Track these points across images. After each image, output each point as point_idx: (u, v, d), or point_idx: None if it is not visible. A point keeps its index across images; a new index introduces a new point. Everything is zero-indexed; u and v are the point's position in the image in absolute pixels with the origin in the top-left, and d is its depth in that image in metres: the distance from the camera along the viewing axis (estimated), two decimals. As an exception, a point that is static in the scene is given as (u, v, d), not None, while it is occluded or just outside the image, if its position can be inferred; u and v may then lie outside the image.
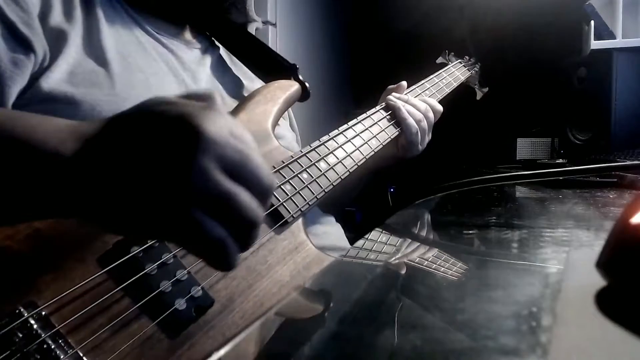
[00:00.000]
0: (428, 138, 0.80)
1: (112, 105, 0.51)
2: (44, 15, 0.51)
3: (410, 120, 0.74)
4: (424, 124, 0.77)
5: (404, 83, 0.82)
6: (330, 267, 0.45)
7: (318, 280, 0.38)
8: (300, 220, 0.50)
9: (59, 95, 0.49)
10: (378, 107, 0.74)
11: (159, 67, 0.60)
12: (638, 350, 0.19)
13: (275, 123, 0.61)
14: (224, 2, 0.71)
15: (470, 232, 0.47)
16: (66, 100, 0.49)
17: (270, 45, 1.48)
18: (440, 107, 0.83)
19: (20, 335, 0.31)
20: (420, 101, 0.79)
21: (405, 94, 0.80)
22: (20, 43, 0.48)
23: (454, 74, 1.01)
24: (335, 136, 0.61)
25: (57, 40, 0.51)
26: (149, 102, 0.31)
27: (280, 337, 0.26)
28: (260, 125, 0.58)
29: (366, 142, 0.65)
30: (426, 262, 0.40)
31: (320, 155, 0.57)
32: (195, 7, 0.68)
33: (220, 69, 0.71)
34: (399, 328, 0.23)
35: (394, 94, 0.78)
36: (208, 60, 0.69)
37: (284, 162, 0.52)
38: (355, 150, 0.62)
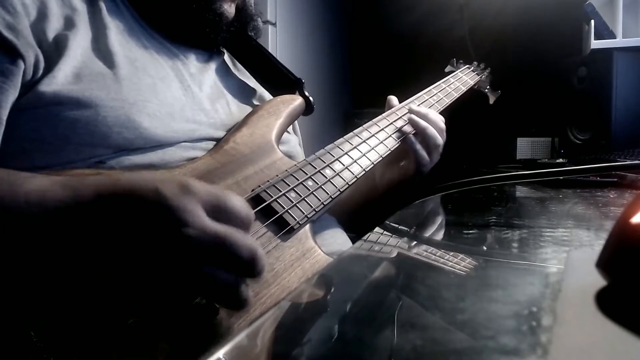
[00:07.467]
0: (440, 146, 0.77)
1: (118, 111, 0.50)
2: (40, 18, 0.50)
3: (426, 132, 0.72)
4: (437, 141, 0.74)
5: (393, 97, 0.79)
6: (329, 266, 0.44)
7: (317, 280, 0.38)
8: (307, 227, 0.50)
9: (64, 98, 0.48)
10: (383, 115, 0.73)
11: (166, 73, 0.59)
12: (638, 350, 0.19)
13: (280, 136, 0.62)
14: (249, 30, 0.72)
15: (470, 231, 0.47)
16: (71, 103, 0.48)
17: (270, 45, 1.48)
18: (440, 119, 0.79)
19: None
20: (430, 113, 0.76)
21: (413, 101, 0.79)
22: (5, 50, 0.46)
23: (462, 79, 1.00)
24: (340, 144, 0.61)
25: (56, 45, 0.50)
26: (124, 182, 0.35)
27: (279, 337, 0.26)
28: (264, 138, 0.59)
29: (373, 149, 0.64)
30: (426, 261, 0.40)
31: (325, 163, 0.57)
32: (214, 33, 0.67)
33: (225, 74, 0.71)
34: (399, 327, 0.23)
35: (411, 106, 0.76)
36: (213, 65, 0.69)
37: (287, 171, 0.52)
38: (362, 156, 0.62)
